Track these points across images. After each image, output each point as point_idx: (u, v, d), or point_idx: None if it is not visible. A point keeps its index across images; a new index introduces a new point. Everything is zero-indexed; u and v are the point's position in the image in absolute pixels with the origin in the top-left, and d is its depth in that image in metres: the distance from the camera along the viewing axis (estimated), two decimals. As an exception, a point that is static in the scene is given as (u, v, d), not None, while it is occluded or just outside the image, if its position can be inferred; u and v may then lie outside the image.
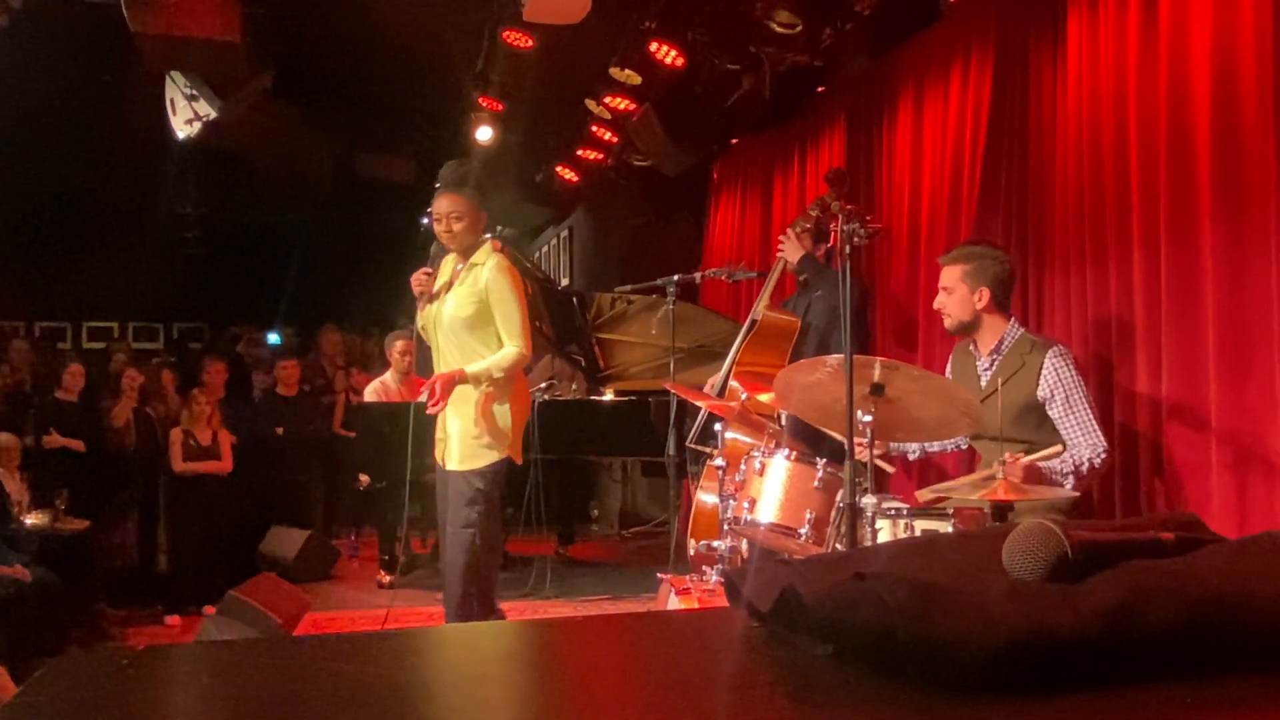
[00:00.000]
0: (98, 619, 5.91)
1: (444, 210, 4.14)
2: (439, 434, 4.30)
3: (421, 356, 5.83)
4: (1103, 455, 3.32)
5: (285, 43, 6.37)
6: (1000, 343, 3.55)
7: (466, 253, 4.21)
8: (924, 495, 3.46)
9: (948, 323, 3.67)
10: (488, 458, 4.11)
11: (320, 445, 7.82)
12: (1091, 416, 3.36)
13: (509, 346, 4.10)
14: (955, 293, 3.59)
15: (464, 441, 4.15)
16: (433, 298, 4.23)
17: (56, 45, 6.42)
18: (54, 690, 0.90)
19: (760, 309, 4.97)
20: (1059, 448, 3.34)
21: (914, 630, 0.81)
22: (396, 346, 6.92)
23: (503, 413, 4.16)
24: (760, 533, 3.67)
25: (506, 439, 4.14)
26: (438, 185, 4.22)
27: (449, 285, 4.23)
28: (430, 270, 4.27)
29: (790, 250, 4.98)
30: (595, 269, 10.21)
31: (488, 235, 4.39)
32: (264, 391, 7.95)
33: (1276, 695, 0.80)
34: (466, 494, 4.12)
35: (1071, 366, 3.40)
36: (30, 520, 5.81)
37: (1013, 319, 3.61)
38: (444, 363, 4.23)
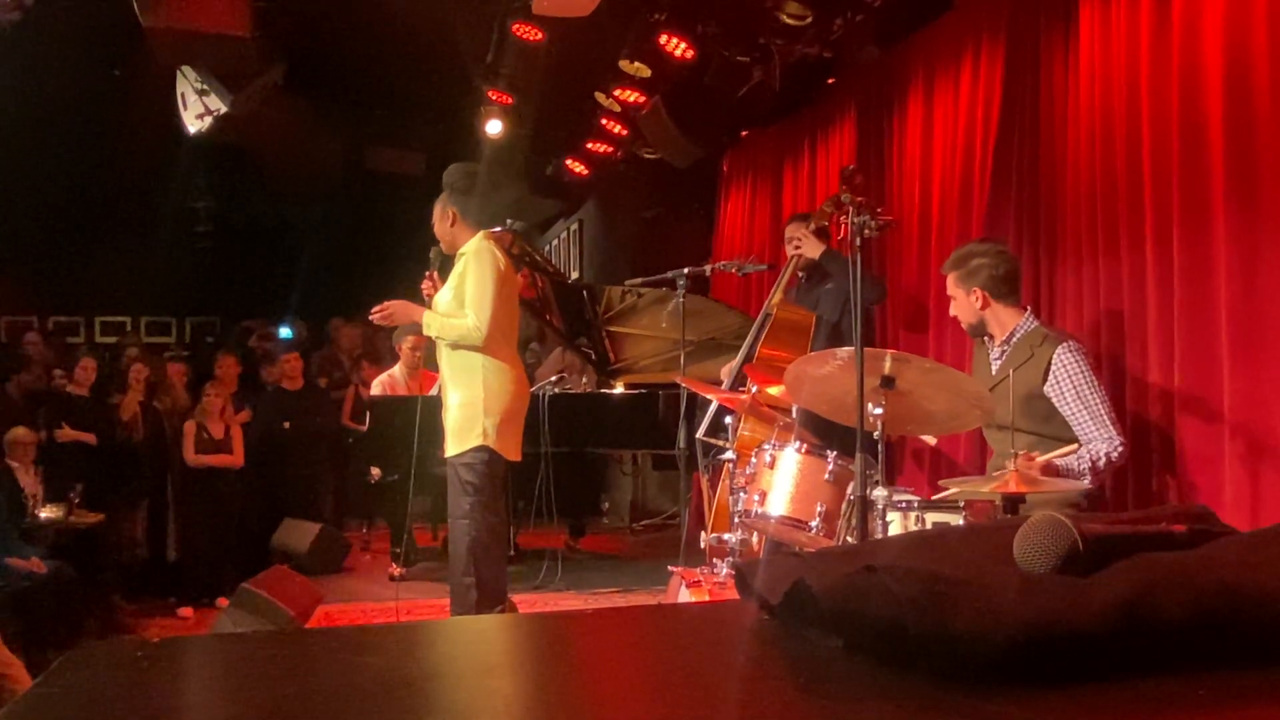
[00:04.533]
0: (112, 611, 5.95)
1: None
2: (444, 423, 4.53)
3: (430, 351, 5.90)
4: (1119, 449, 3.30)
5: (295, 37, 6.38)
6: (1012, 334, 3.55)
7: (450, 248, 4.54)
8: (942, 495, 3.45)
9: (963, 326, 3.70)
10: (466, 443, 4.33)
11: (328, 438, 7.84)
12: (1105, 411, 3.33)
13: (467, 316, 4.32)
14: (956, 298, 3.64)
15: (451, 426, 4.41)
16: None
17: (67, 40, 6.44)
18: (70, 681, 0.91)
19: (773, 303, 4.97)
20: (1074, 446, 3.32)
21: (924, 623, 0.81)
22: (406, 341, 6.93)
23: (479, 399, 4.35)
24: (771, 525, 3.67)
25: (481, 425, 4.33)
26: None
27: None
28: (431, 273, 4.62)
29: (810, 247, 4.97)
30: (605, 262, 10.21)
31: (498, 229, 4.58)
32: (272, 385, 7.98)
33: (1289, 688, 0.80)
34: (457, 484, 4.35)
35: (1083, 361, 3.37)
36: (45, 514, 5.85)
37: (1028, 311, 3.60)
38: (441, 349, 4.50)
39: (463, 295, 4.36)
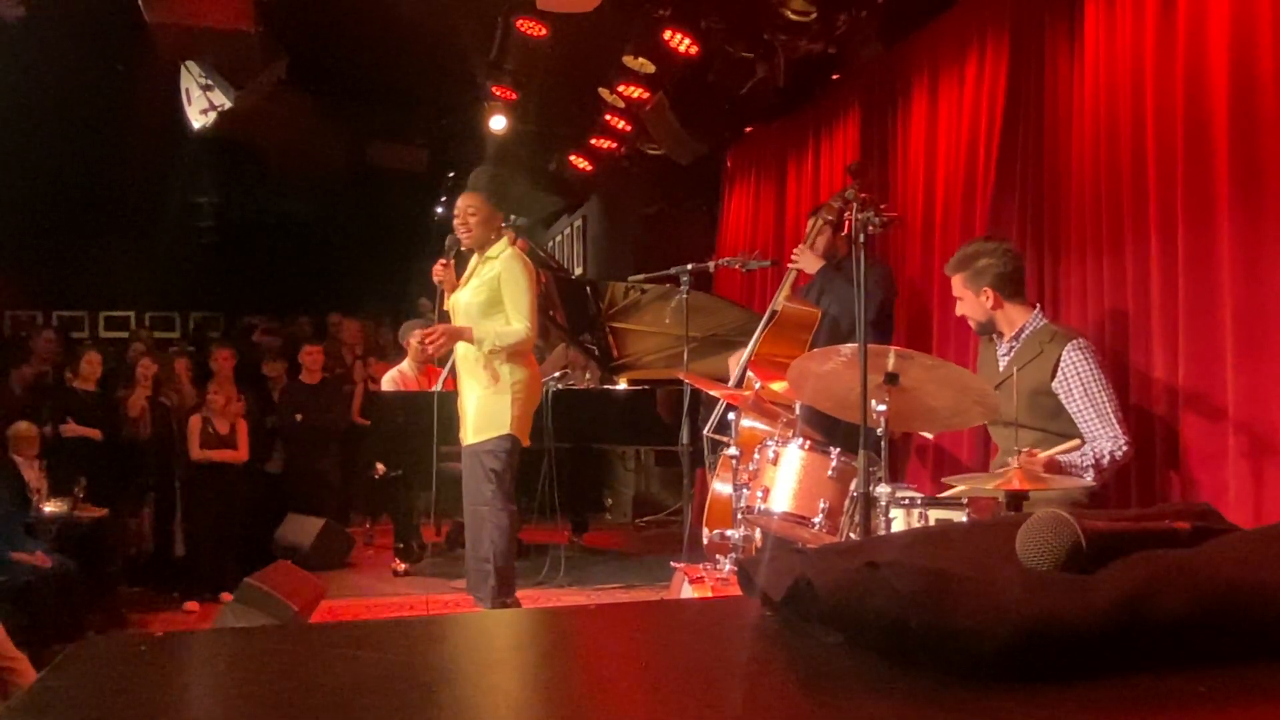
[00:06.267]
0: (116, 606, 5.96)
1: (462, 206, 4.66)
2: (460, 413, 4.66)
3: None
4: (1124, 449, 3.31)
5: (299, 32, 6.38)
6: (1020, 331, 3.55)
7: (480, 247, 4.66)
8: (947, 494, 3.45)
9: (972, 326, 3.71)
10: (494, 430, 4.50)
11: (339, 433, 7.83)
12: (1111, 410, 3.33)
13: (515, 324, 4.51)
14: (965, 299, 3.64)
15: (475, 415, 4.54)
16: (454, 287, 4.70)
17: (71, 36, 6.44)
18: (73, 676, 0.91)
19: (780, 300, 4.97)
20: (1076, 441, 3.32)
21: (926, 619, 0.81)
22: (415, 336, 6.92)
23: (508, 388, 4.52)
24: (774, 522, 3.67)
25: (510, 414, 4.50)
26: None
27: (470, 276, 4.69)
28: (446, 261, 4.70)
29: (807, 262, 4.97)
30: (609, 258, 10.21)
31: (504, 225, 4.68)
32: (288, 379, 7.94)
33: (1291, 685, 0.80)
34: (480, 471, 4.50)
35: (1091, 360, 3.37)
36: (49, 508, 5.85)
37: (1037, 308, 3.61)
38: (461, 344, 4.63)
39: (496, 298, 4.53)
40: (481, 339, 4.50)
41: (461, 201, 4.68)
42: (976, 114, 4.74)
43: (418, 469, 6.57)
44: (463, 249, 4.71)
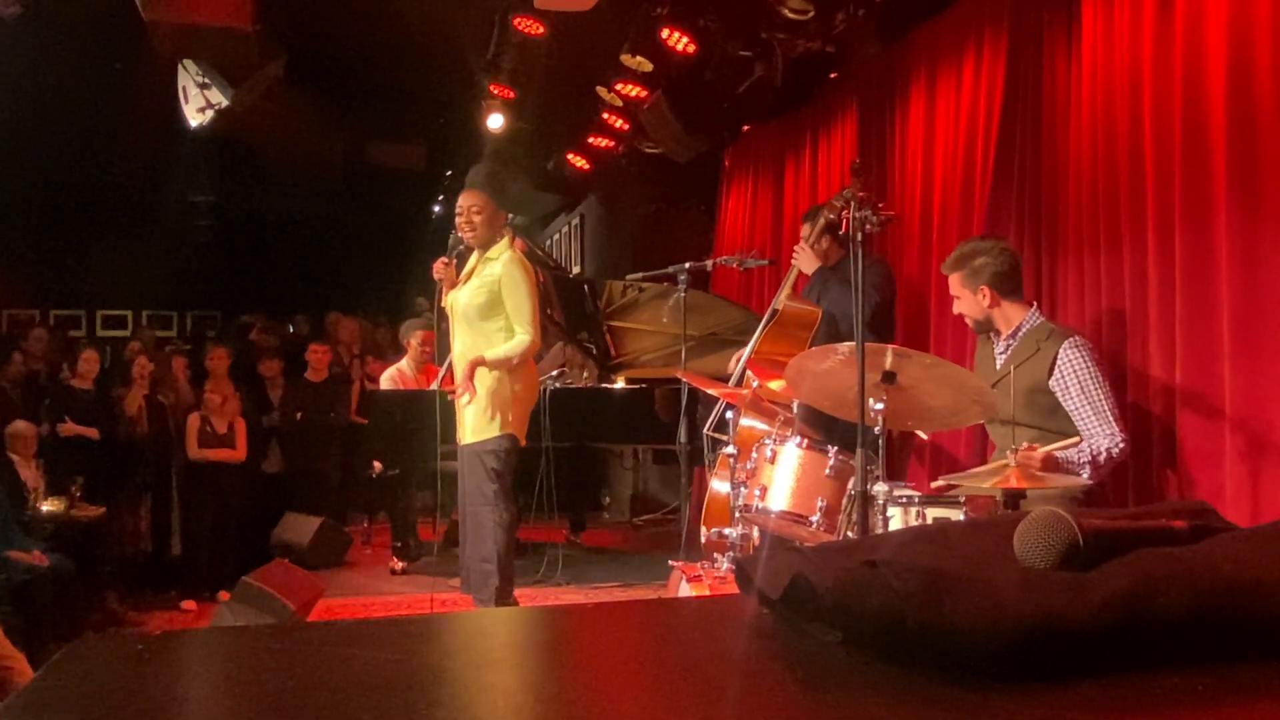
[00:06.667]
0: (113, 605, 5.96)
1: (465, 205, 4.60)
2: (458, 412, 4.65)
3: (440, 334, 5.90)
4: (1120, 446, 3.31)
5: (297, 30, 6.37)
6: (1018, 329, 3.56)
7: (484, 246, 4.62)
8: (938, 484, 3.46)
9: (969, 324, 3.71)
10: (493, 430, 4.50)
11: (339, 432, 7.83)
12: (1108, 408, 3.34)
13: (520, 334, 4.49)
14: (962, 298, 3.64)
15: (474, 414, 4.53)
16: (454, 285, 4.67)
17: (68, 34, 6.43)
18: (70, 675, 0.91)
19: (782, 299, 4.97)
20: (1076, 439, 3.32)
21: (924, 618, 0.81)
22: (415, 336, 6.92)
23: (507, 388, 4.52)
24: (771, 520, 3.67)
25: (510, 414, 4.52)
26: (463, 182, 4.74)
27: (469, 275, 4.65)
28: (448, 259, 4.67)
29: (805, 261, 4.97)
30: (606, 256, 10.21)
31: (505, 224, 4.68)
32: (292, 376, 7.92)
33: (1288, 683, 0.80)
34: (481, 471, 4.49)
35: (1088, 358, 3.38)
36: (46, 507, 5.85)
37: (1034, 306, 3.61)
38: (459, 343, 4.66)
39: (495, 300, 4.50)
40: (496, 362, 4.47)
41: (463, 200, 4.60)
42: (974, 113, 4.74)
43: (415, 468, 6.57)
44: (462, 248, 4.69)
